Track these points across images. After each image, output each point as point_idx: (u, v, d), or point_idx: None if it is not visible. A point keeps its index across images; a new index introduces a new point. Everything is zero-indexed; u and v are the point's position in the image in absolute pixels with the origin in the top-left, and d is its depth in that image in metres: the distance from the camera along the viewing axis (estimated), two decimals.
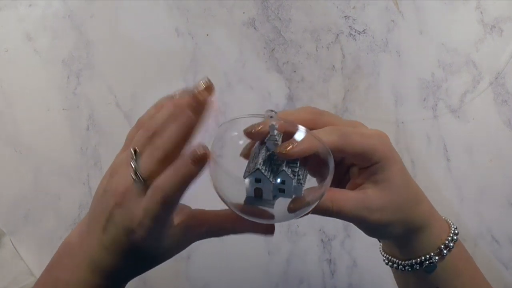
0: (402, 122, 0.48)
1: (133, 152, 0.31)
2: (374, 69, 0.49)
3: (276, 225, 0.49)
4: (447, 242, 0.34)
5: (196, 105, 0.32)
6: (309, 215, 0.30)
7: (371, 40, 0.49)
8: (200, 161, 0.29)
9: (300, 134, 0.29)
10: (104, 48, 0.48)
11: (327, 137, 0.31)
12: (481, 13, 0.46)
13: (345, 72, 0.49)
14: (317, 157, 0.30)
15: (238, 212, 0.31)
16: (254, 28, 0.48)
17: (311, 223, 0.48)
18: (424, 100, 0.48)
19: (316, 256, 0.47)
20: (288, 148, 0.29)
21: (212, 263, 0.47)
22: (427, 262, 0.35)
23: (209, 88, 0.33)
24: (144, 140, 0.31)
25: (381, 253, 0.38)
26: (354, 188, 0.33)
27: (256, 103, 0.48)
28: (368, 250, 0.47)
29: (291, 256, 0.47)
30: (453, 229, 0.35)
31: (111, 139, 0.48)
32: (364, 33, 0.49)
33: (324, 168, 0.30)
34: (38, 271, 0.46)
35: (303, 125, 0.30)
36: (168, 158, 0.30)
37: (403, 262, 0.35)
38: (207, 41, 0.48)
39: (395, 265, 0.36)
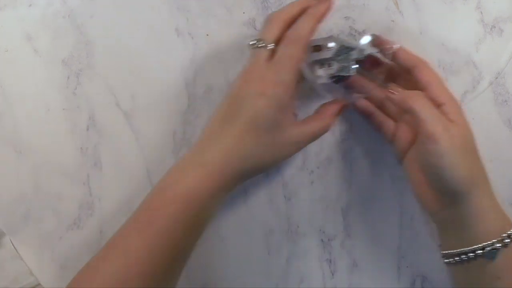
0: None
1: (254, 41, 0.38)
2: None
3: (277, 224, 0.49)
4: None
5: None
6: None
7: None
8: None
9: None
10: (104, 48, 0.48)
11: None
12: (481, 13, 0.46)
13: None
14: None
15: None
16: (254, 28, 0.48)
17: (311, 223, 0.48)
18: None
19: (316, 256, 0.47)
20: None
21: (212, 263, 0.47)
22: (489, 248, 0.35)
23: None
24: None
25: (442, 254, 0.39)
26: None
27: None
28: (368, 250, 0.48)
29: (291, 256, 0.47)
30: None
31: (111, 139, 0.48)
32: (364, 33, 0.49)
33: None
34: (38, 271, 0.46)
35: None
36: (276, 22, 0.38)
37: (464, 250, 0.36)
38: (207, 41, 0.48)
39: (456, 258, 0.36)
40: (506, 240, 0.35)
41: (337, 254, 0.47)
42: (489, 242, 0.35)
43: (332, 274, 0.47)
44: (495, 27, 0.48)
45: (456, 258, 0.37)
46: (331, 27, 0.48)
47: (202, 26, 0.48)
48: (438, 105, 0.37)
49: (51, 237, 0.46)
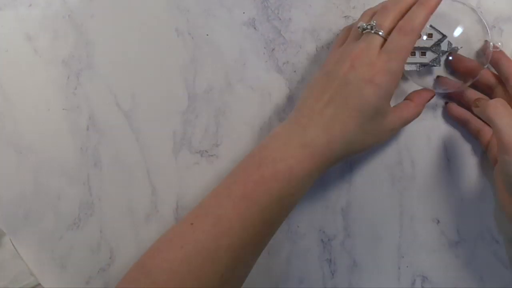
0: None
1: (363, 24, 0.38)
2: None
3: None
4: None
5: None
6: None
7: None
8: None
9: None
10: (104, 48, 0.48)
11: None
12: (481, 13, 0.46)
13: None
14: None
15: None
16: (254, 28, 0.48)
17: (311, 223, 0.48)
18: None
19: (316, 256, 0.47)
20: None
21: None
22: None
23: None
24: (367, 17, 0.39)
25: None
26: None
27: (256, 103, 0.48)
28: (368, 250, 0.47)
29: (291, 256, 0.47)
30: None
31: (111, 139, 0.48)
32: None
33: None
34: (38, 271, 0.46)
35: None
36: (392, 11, 0.38)
37: None
38: (207, 41, 0.48)
39: None
40: None
41: (337, 254, 0.47)
42: None
43: (332, 274, 0.47)
44: (495, 27, 0.48)
45: None
46: (330, 26, 0.48)
47: (202, 26, 0.48)
48: None
49: (51, 237, 0.46)
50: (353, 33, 0.40)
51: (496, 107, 0.36)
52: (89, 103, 0.48)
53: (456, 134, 0.48)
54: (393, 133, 0.41)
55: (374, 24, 0.37)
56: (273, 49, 0.49)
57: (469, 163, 0.47)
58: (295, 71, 0.48)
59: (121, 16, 0.49)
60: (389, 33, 0.37)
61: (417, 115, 0.42)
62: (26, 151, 0.47)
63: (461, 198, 0.47)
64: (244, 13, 0.48)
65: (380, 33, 0.37)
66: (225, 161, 0.47)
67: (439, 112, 0.47)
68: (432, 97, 0.43)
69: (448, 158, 0.47)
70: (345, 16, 0.48)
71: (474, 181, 0.47)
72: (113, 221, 0.46)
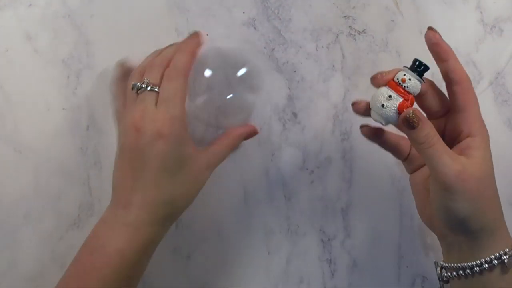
0: None
1: (132, 84, 0.38)
2: (374, 69, 0.49)
3: (277, 224, 0.49)
4: None
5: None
6: None
7: (371, 40, 0.49)
8: (196, 35, 0.40)
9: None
10: (104, 48, 0.48)
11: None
12: (481, 13, 0.46)
13: (345, 72, 0.49)
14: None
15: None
16: (254, 28, 0.48)
17: (311, 223, 0.48)
18: None
19: (316, 256, 0.47)
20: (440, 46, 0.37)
21: (212, 263, 0.47)
22: (502, 258, 0.34)
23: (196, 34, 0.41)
24: (137, 74, 0.39)
25: (442, 266, 0.37)
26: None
27: (256, 103, 0.48)
28: (368, 250, 0.47)
29: (291, 256, 0.47)
30: None
31: (111, 139, 0.48)
32: (364, 33, 0.49)
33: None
34: (38, 271, 0.46)
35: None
36: (157, 66, 0.39)
37: (465, 265, 0.35)
38: (207, 41, 0.48)
39: (460, 271, 0.35)
40: None
41: (337, 254, 0.47)
42: (501, 252, 0.34)
43: (332, 274, 0.47)
44: (495, 27, 0.48)
45: (460, 272, 0.35)
46: (330, 26, 0.48)
47: (202, 26, 0.48)
48: (466, 135, 0.36)
49: (51, 237, 0.46)
50: (130, 96, 0.38)
51: (429, 138, 0.34)
52: (89, 103, 0.48)
53: None
54: (212, 169, 0.40)
55: (147, 81, 0.37)
56: (273, 49, 0.49)
57: None
58: (295, 71, 0.48)
59: (121, 16, 0.49)
60: (159, 85, 0.37)
61: (232, 148, 0.41)
62: (26, 151, 0.47)
63: None
64: (244, 13, 0.48)
65: (156, 89, 0.37)
66: (225, 161, 0.47)
67: None
68: (252, 133, 0.42)
69: None
70: (345, 16, 0.48)
71: None
72: None
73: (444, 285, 0.38)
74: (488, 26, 0.49)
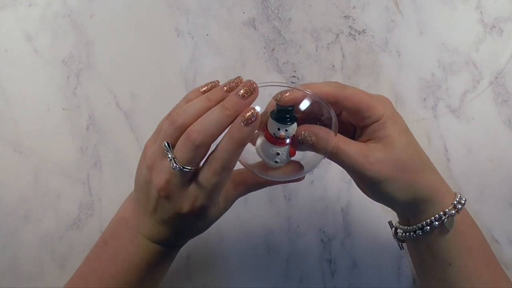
0: None
1: (166, 145, 0.32)
2: (374, 69, 0.49)
3: (277, 224, 0.49)
4: (449, 208, 0.35)
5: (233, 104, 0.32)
6: None
7: (371, 40, 0.49)
8: (251, 121, 0.31)
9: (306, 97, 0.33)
10: (104, 48, 0.48)
11: (324, 87, 0.33)
12: (481, 13, 0.46)
13: (345, 72, 0.49)
14: (319, 119, 0.33)
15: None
16: (254, 28, 0.48)
17: (311, 223, 0.48)
18: (424, 100, 0.48)
19: (316, 256, 0.47)
20: (283, 95, 0.32)
21: (212, 263, 0.47)
22: (442, 219, 0.35)
23: (248, 91, 0.32)
24: (172, 131, 0.33)
25: (396, 227, 0.40)
26: None
27: (256, 103, 0.48)
28: (368, 250, 0.47)
29: (291, 256, 0.47)
30: (457, 199, 0.36)
31: (111, 139, 0.48)
32: (364, 33, 0.49)
33: (328, 123, 0.33)
34: (38, 271, 0.46)
35: (325, 98, 0.33)
36: (201, 146, 0.32)
37: (410, 227, 0.37)
38: (207, 41, 0.48)
39: (408, 233, 0.37)
40: (459, 206, 0.35)
41: (337, 254, 0.47)
42: (431, 219, 0.35)
43: (332, 274, 0.47)
44: (495, 27, 0.48)
45: (404, 234, 0.38)
46: (330, 26, 0.48)
47: (202, 26, 0.48)
48: (372, 122, 0.35)
49: (51, 237, 0.46)
50: (160, 148, 0.33)
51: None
52: (89, 103, 0.48)
53: (456, 134, 0.48)
54: (227, 206, 0.37)
55: (184, 163, 0.32)
56: (273, 49, 0.49)
57: (469, 163, 0.47)
58: (295, 71, 0.48)
59: (121, 16, 0.49)
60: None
61: (239, 195, 0.38)
62: (26, 151, 0.47)
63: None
64: (244, 13, 0.48)
65: (186, 169, 0.32)
66: None
67: (439, 112, 0.47)
68: (262, 184, 0.38)
69: (448, 158, 0.47)
70: (345, 16, 0.48)
71: (474, 181, 0.47)
72: None
73: (402, 244, 0.40)
74: (488, 26, 0.49)
